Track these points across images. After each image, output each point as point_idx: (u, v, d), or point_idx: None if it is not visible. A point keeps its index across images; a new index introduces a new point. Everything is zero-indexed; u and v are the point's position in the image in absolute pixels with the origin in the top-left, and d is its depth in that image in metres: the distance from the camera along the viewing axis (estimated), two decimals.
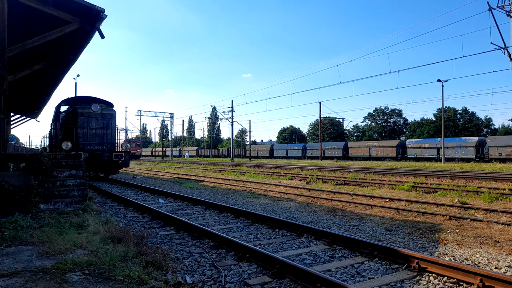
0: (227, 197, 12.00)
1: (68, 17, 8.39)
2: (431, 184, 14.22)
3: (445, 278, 4.17)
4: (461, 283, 4.03)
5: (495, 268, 4.67)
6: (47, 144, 26.42)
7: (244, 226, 7.30)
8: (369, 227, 7.16)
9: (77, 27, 8.63)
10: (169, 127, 77.28)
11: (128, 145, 19.61)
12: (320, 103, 53.08)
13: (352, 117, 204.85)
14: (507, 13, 21.78)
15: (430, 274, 4.31)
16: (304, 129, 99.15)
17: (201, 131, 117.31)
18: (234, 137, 62.18)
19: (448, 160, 43.95)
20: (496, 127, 73.14)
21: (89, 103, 17.40)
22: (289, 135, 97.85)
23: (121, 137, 63.30)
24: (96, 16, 8.30)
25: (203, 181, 18.17)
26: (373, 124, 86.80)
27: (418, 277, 4.27)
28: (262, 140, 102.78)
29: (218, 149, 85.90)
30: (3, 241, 5.27)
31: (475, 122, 70.41)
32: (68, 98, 19.08)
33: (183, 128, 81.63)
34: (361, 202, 10.05)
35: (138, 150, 66.53)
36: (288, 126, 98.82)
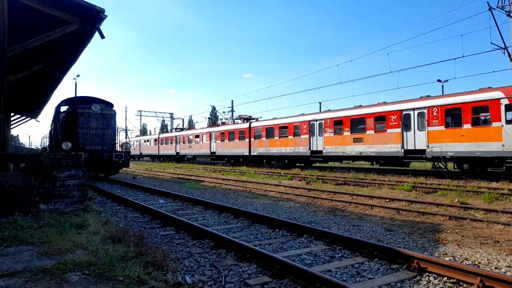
0: (227, 197, 12.00)
1: (68, 17, 8.40)
2: (431, 184, 14.21)
3: (445, 278, 4.16)
4: (461, 283, 4.03)
5: (495, 268, 4.67)
6: (47, 144, 26.45)
7: (244, 226, 7.30)
8: (369, 227, 7.16)
9: (77, 27, 8.64)
10: (169, 127, 77.26)
11: (128, 145, 19.43)
12: (320, 103, 52.57)
13: None
14: (507, 13, 21.78)
15: (430, 274, 4.30)
16: None
17: None
18: None
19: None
20: None
21: (89, 103, 17.41)
22: None
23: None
24: (96, 16, 8.31)
25: (203, 181, 18.17)
26: None
27: (418, 277, 4.27)
28: None
29: None
30: (3, 241, 5.28)
31: None
32: (68, 98, 19.09)
33: (182, 128, 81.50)
34: (361, 202, 10.05)
35: None
36: None
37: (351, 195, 11.57)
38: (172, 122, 74.45)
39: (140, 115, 71.00)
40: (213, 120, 57.85)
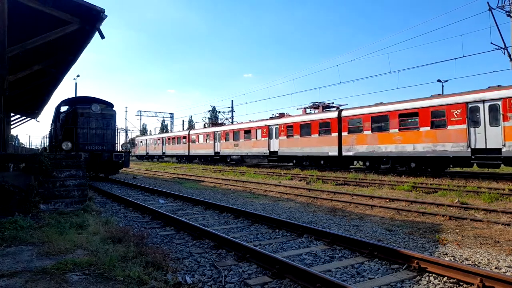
0: (227, 197, 12.00)
1: (68, 18, 8.41)
2: (431, 184, 14.21)
3: (445, 278, 4.16)
4: (461, 283, 4.03)
5: (495, 268, 4.67)
6: (47, 144, 26.46)
7: (244, 226, 7.30)
8: (369, 227, 7.15)
9: (77, 27, 8.65)
10: (169, 127, 77.32)
11: (128, 145, 19.51)
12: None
13: None
14: (507, 13, 21.81)
15: (430, 274, 4.30)
16: None
17: None
18: None
19: None
20: None
21: (89, 103, 17.42)
22: None
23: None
24: (96, 16, 8.32)
25: (203, 181, 18.17)
26: None
27: (418, 277, 4.26)
28: None
29: None
30: (3, 241, 5.27)
31: None
32: (68, 99, 19.10)
33: (183, 128, 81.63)
34: (361, 203, 10.04)
35: None
36: None
37: (351, 195, 11.57)
38: (172, 122, 74.48)
39: (140, 115, 71.10)
40: (213, 120, 57.66)
